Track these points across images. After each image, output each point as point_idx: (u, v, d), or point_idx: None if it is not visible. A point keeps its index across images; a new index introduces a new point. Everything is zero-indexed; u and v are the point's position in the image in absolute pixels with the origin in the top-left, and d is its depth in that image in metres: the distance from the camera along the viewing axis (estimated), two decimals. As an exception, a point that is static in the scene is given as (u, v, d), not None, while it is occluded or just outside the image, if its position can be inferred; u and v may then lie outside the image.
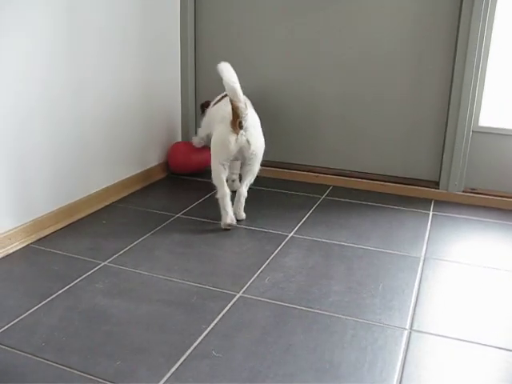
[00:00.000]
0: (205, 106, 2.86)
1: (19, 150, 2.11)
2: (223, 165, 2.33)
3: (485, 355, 1.55)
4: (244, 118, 2.26)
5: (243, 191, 2.41)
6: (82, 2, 2.30)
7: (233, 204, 2.38)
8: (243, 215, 2.45)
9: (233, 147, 2.28)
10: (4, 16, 1.96)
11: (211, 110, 2.66)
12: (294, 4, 2.85)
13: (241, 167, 2.50)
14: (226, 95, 2.47)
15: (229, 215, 2.34)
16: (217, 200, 2.35)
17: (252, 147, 2.31)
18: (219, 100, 2.62)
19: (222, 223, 2.35)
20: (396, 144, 2.86)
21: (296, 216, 2.50)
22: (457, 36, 2.59)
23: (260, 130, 2.38)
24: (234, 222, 2.36)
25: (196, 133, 2.99)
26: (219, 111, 2.44)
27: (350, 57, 2.83)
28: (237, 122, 2.26)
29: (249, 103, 2.45)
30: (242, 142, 2.28)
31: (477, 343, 1.59)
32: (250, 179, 2.41)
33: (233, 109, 2.25)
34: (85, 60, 2.37)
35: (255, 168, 2.39)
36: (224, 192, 2.34)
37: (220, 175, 2.34)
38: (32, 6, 2.06)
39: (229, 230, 2.35)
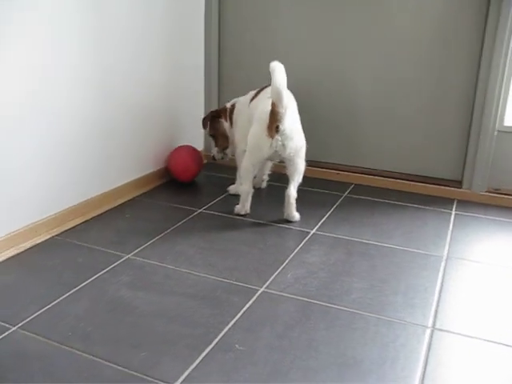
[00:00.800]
0: (216, 117, 2.74)
1: (45, 145, 2.15)
2: (254, 165, 2.35)
3: (507, 355, 1.54)
4: (281, 122, 2.22)
5: (292, 192, 2.37)
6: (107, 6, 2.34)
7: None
8: (296, 216, 2.41)
9: (266, 151, 2.28)
10: (32, 16, 2.00)
11: (250, 106, 2.55)
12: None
13: (286, 168, 2.42)
14: (261, 90, 2.48)
15: (244, 208, 2.43)
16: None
17: (287, 150, 2.28)
18: (256, 95, 2.54)
19: (236, 211, 2.45)
20: (419, 143, 2.85)
21: (318, 213, 2.51)
22: (483, 35, 2.57)
23: (299, 127, 2.35)
24: (247, 212, 2.44)
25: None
26: (258, 106, 2.37)
27: (377, 57, 2.82)
28: (273, 126, 2.22)
29: (292, 98, 2.40)
30: (276, 147, 2.26)
31: (499, 343, 1.59)
32: (297, 179, 2.38)
33: (272, 112, 2.21)
34: (111, 63, 2.40)
35: (300, 166, 2.37)
36: (248, 189, 2.38)
37: (249, 174, 2.37)
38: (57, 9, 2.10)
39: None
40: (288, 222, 2.40)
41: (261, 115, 2.28)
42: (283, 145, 2.26)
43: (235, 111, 2.69)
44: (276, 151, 2.28)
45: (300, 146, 2.34)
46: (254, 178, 2.49)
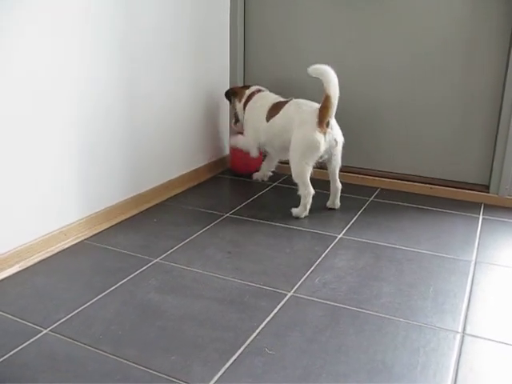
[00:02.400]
0: (231, 95, 2.93)
1: (77, 152, 2.17)
2: (310, 165, 2.43)
3: (540, 361, 1.53)
4: (332, 117, 2.38)
5: (339, 185, 2.60)
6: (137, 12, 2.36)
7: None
8: (338, 204, 2.63)
9: (323, 147, 2.39)
10: (64, 20, 2.03)
11: (274, 120, 2.64)
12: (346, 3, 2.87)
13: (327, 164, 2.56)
14: (283, 103, 2.61)
15: (306, 211, 2.50)
16: (298, 196, 2.49)
17: (339, 144, 2.45)
18: (278, 105, 2.65)
19: (295, 214, 2.51)
20: (446, 146, 2.83)
21: (344, 217, 2.50)
22: (511, 38, 2.55)
23: None
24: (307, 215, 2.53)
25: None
26: (294, 116, 2.50)
27: (402, 60, 2.82)
28: (325, 122, 2.37)
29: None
30: (330, 141, 2.41)
31: (532, 349, 1.58)
32: (338, 171, 2.57)
33: (325, 107, 2.36)
34: (141, 68, 2.43)
35: (340, 159, 2.52)
36: (311, 191, 2.47)
37: (308, 176, 2.44)
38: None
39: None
40: (331, 209, 2.60)
41: (306, 117, 2.42)
42: (335, 139, 2.43)
43: (252, 101, 2.81)
44: (329, 146, 2.43)
45: (342, 140, 2.49)
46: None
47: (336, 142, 2.44)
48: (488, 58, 2.65)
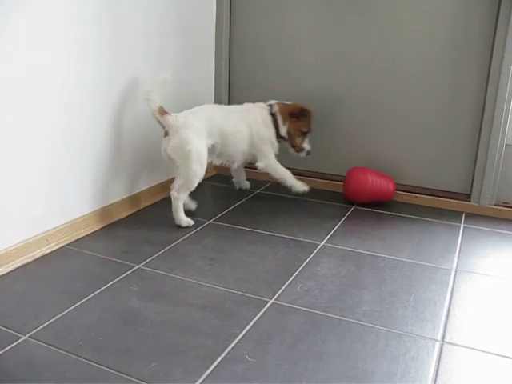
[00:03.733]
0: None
1: (57, 155, 2.16)
2: None
3: (518, 369, 1.54)
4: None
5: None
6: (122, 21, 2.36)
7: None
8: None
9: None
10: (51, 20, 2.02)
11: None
12: (329, 13, 2.88)
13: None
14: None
15: None
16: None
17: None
18: None
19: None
20: (428, 156, 2.86)
21: (327, 225, 2.51)
22: (492, 49, 2.58)
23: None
24: None
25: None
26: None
27: (387, 70, 2.84)
28: None
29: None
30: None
31: (508, 357, 1.58)
32: None
33: None
34: (125, 67, 2.43)
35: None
36: None
37: None
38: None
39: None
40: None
41: None
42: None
43: None
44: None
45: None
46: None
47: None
48: (470, 70, 2.67)
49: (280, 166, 2.77)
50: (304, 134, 2.77)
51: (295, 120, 2.72)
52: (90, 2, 2.19)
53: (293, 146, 2.79)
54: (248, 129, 2.67)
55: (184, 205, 2.45)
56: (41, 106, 2.05)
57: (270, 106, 2.74)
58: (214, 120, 2.53)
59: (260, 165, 2.74)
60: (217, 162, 2.70)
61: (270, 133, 2.72)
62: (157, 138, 2.48)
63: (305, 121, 2.74)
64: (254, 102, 2.77)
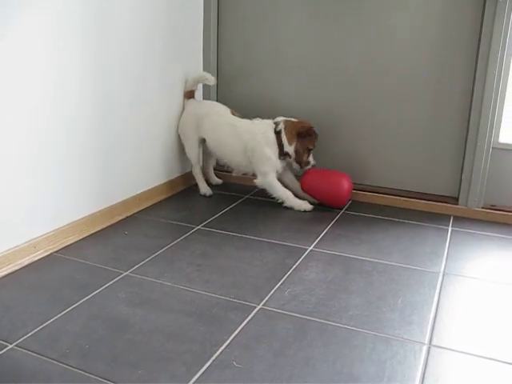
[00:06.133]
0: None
1: (44, 162, 2.16)
2: None
3: (503, 372, 1.55)
4: None
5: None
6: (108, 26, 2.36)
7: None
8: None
9: None
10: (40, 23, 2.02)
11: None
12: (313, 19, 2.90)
13: None
14: None
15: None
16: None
17: None
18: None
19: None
20: (416, 160, 2.87)
21: (316, 230, 2.52)
22: (477, 53, 2.60)
23: None
24: None
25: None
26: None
27: (373, 75, 2.85)
28: None
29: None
30: None
31: (495, 360, 1.59)
32: None
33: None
34: (115, 78, 2.43)
35: None
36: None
37: None
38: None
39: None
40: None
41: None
42: None
43: None
44: None
45: None
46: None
47: None
48: (456, 73, 2.69)
49: (279, 185, 2.79)
50: (309, 151, 2.80)
51: (301, 139, 2.75)
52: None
53: (298, 162, 2.82)
54: (240, 143, 2.78)
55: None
56: (25, 113, 2.05)
57: (276, 123, 2.77)
58: (202, 118, 2.88)
59: (256, 182, 2.80)
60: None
61: (271, 151, 2.75)
62: (144, 143, 2.48)
63: (311, 139, 2.78)
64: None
